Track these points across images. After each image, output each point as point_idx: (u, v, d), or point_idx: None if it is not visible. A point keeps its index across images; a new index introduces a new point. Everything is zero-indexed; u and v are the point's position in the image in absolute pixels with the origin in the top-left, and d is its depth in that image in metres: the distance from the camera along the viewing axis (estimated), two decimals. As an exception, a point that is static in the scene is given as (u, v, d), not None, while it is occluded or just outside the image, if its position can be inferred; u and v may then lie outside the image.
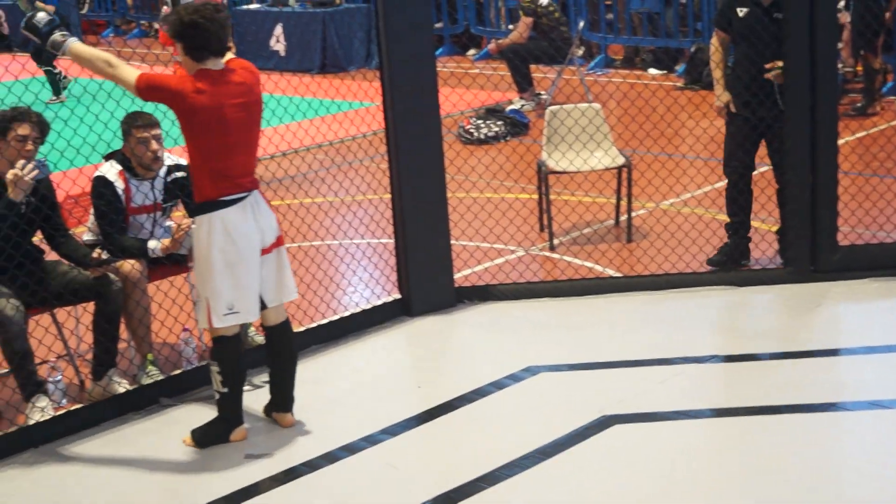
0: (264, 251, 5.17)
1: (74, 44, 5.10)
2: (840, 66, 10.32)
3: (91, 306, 5.80)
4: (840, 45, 10.41)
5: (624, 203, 8.03)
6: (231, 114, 4.99)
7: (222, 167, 5.02)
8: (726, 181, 7.13)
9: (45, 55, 14.47)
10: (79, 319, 6.31)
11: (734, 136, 7.05)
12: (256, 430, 5.38)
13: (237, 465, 5.10)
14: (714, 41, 7.16)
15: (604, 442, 5.11)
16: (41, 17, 5.16)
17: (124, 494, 4.99)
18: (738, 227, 7.14)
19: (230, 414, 5.29)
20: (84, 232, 6.20)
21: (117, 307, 5.71)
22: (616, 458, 4.99)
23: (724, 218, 7.25)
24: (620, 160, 8.01)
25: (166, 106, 5.05)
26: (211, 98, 4.94)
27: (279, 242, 5.27)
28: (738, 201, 7.07)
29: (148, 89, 4.97)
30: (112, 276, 5.71)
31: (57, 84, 14.28)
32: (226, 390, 5.21)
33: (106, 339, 5.74)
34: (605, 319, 6.53)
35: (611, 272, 7.28)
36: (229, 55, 5.20)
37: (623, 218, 8.06)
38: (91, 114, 5.79)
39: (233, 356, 5.23)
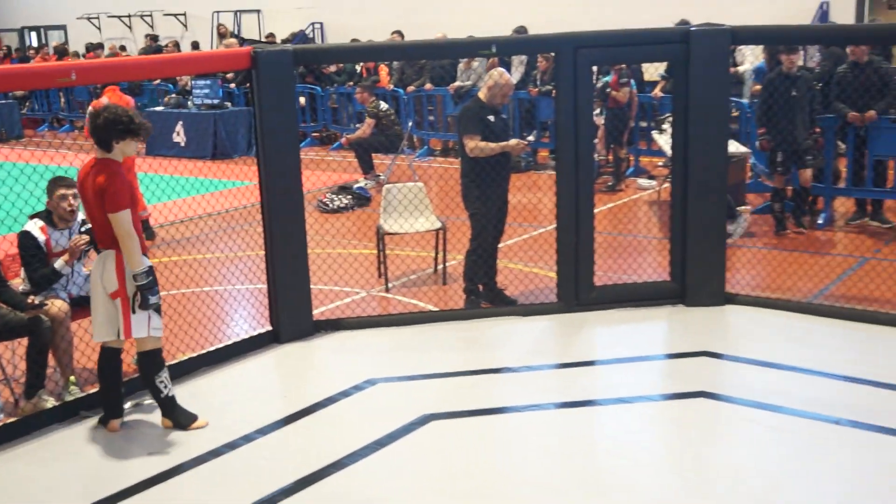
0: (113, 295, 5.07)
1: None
2: (595, 155, 10.69)
3: (25, 340, 5.56)
4: (596, 141, 10.79)
5: (440, 256, 8.12)
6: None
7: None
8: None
9: None
10: (14, 351, 6.04)
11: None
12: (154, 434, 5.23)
13: (152, 455, 4.95)
14: (477, 145, 6.77)
15: (423, 435, 5.14)
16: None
17: (51, 489, 4.77)
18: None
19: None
20: (20, 283, 5.95)
21: (47, 341, 5.48)
22: (432, 446, 5.02)
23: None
24: (437, 224, 8.09)
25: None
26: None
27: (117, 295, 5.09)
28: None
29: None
30: (43, 317, 5.49)
31: None
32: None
33: (37, 366, 5.50)
34: (429, 342, 6.55)
35: (431, 307, 7.33)
36: (102, 153, 5.05)
37: (440, 267, 8.14)
38: (14, 192, 5.60)
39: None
